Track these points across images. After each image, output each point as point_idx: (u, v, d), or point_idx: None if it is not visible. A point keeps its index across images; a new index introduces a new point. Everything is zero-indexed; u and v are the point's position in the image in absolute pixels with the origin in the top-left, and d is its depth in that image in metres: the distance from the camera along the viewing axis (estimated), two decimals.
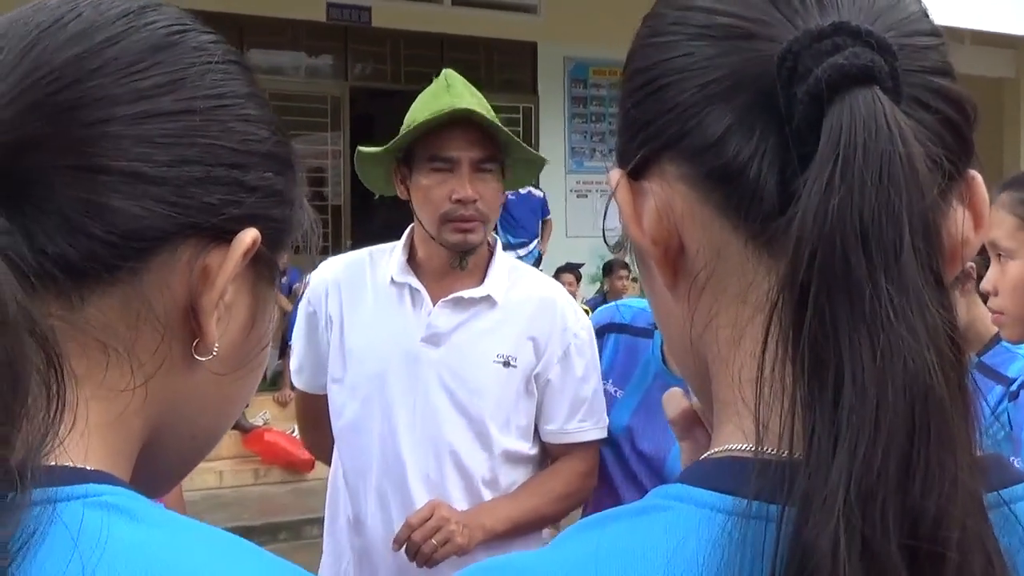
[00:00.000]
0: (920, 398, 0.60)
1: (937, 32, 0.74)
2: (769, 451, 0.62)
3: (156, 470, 0.80)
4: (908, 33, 0.71)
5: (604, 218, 0.85)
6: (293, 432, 9.00)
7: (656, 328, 2.72)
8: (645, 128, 0.74)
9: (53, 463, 0.65)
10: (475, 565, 0.72)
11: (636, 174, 0.76)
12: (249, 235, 0.76)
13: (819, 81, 0.65)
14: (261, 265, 0.81)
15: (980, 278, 2.48)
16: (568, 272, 10.82)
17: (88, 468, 0.70)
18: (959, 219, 0.72)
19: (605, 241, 0.87)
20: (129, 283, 0.73)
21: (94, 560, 0.63)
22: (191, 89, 0.75)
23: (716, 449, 0.73)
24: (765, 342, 0.64)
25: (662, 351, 2.65)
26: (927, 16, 0.74)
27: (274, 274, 0.83)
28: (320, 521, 2.76)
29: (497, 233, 10.99)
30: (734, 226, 0.71)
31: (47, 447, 0.65)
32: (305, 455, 8.58)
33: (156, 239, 0.73)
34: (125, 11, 0.76)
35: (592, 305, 10.84)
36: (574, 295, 10.33)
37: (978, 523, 0.60)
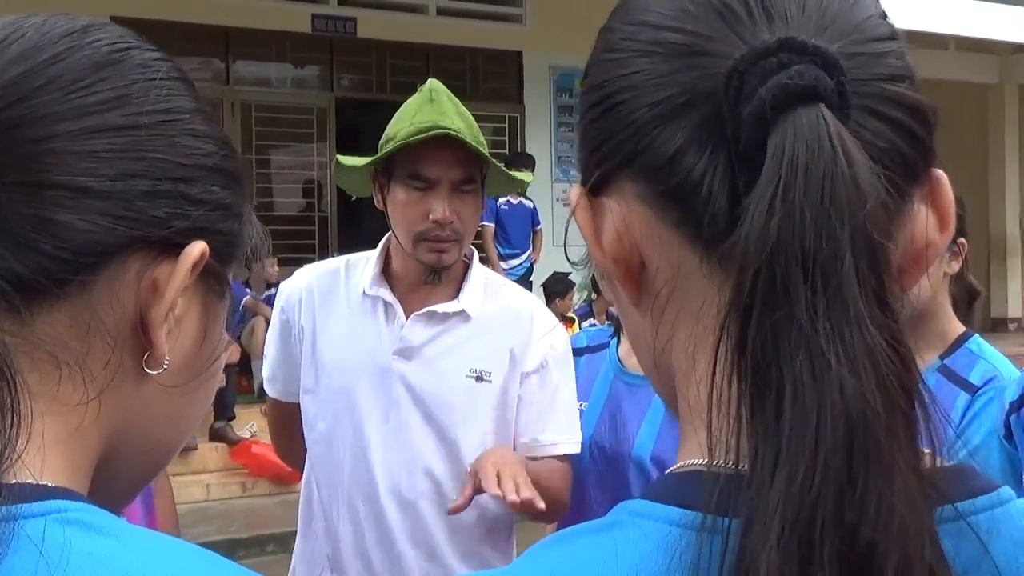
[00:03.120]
0: (858, 423, 0.60)
1: (894, 35, 0.73)
2: (724, 465, 0.63)
3: (113, 484, 0.80)
4: (861, 40, 0.70)
5: (565, 234, 0.85)
6: None
7: (611, 338, 2.83)
8: (601, 146, 0.74)
9: (12, 480, 0.65)
10: None
11: (595, 191, 0.75)
12: (197, 247, 0.76)
13: (763, 102, 0.64)
14: (211, 279, 0.81)
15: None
16: (557, 296, 10.73)
17: (49, 484, 0.70)
18: (923, 221, 0.72)
19: (567, 258, 0.87)
20: (79, 297, 0.73)
21: (61, 570, 0.63)
22: (136, 104, 0.76)
23: (679, 464, 0.73)
24: (715, 362, 0.64)
25: (618, 353, 2.77)
26: (884, 19, 0.73)
27: (224, 288, 0.83)
28: None
29: (498, 244, 10.84)
30: (690, 244, 0.71)
31: (5, 464, 0.65)
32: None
33: (104, 253, 0.73)
34: (68, 31, 0.76)
35: (580, 314, 10.85)
36: (565, 312, 10.31)
37: (920, 546, 0.60)
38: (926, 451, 0.63)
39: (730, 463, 0.62)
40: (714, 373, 0.64)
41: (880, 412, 0.60)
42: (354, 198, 2.82)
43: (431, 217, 2.43)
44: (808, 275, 0.61)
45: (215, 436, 9.51)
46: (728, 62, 0.67)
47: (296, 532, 2.71)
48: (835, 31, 0.69)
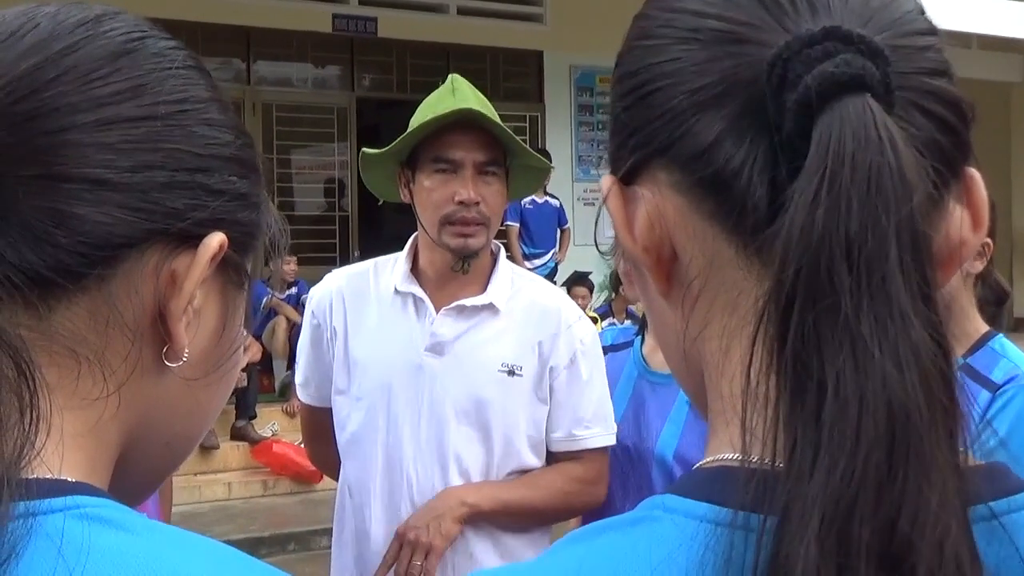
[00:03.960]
0: (900, 417, 0.59)
1: (933, 31, 0.72)
2: (757, 461, 0.62)
3: (133, 478, 0.80)
4: (903, 33, 0.70)
5: (596, 225, 0.84)
6: (302, 443, 9.01)
7: (636, 336, 2.82)
8: (635, 134, 0.73)
9: (32, 475, 0.65)
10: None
11: (628, 179, 0.75)
12: (216, 239, 0.76)
13: (809, 90, 0.64)
14: (230, 270, 0.80)
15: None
16: (580, 285, 10.78)
17: (68, 480, 0.69)
18: (957, 220, 0.71)
19: (598, 249, 0.86)
20: (97, 290, 0.72)
21: (79, 567, 0.63)
22: (152, 95, 0.75)
23: (708, 459, 0.72)
24: (752, 354, 0.63)
25: (642, 351, 2.78)
26: (923, 14, 0.73)
27: (243, 278, 0.83)
28: (329, 532, 2.76)
29: (522, 243, 10.87)
30: (725, 235, 0.70)
31: (24, 460, 0.65)
32: (313, 466, 8.57)
33: (121, 245, 0.72)
34: (82, 20, 0.75)
35: (600, 313, 10.84)
36: (585, 308, 10.31)
37: (956, 544, 0.59)
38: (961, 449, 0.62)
39: (765, 458, 0.61)
40: (750, 365, 0.63)
41: (922, 406, 0.59)
42: (381, 202, 2.83)
43: (456, 199, 2.45)
44: (853, 267, 0.60)
45: (237, 435, 9.54)
46: (770, 50, 0.66)
47: (316, 531, 2.73)
48: (877, 23, 0.69)
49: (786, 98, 0.65)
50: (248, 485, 9.24)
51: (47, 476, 0.67)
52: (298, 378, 2.78)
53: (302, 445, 9.15)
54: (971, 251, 0.73)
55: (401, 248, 2.67)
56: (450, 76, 2.59)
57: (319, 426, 2.74)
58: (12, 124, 0.69)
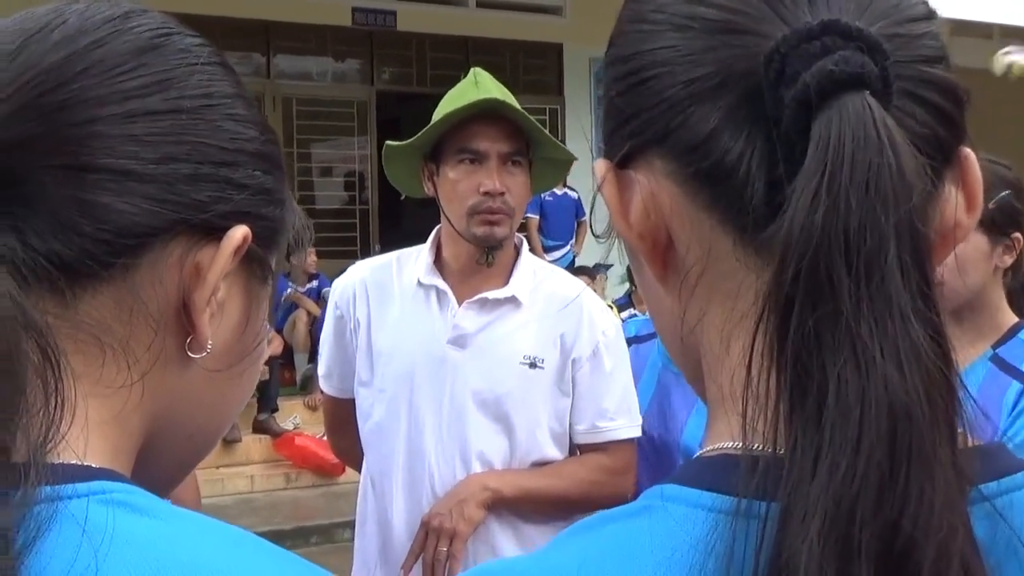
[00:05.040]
0: (901, 419, 0.59)
1: (931, 15, 0.71)
2: (758, 448, 0.62)
3: (155, 470, 0.81)
4: (900, 21, 0.69)
5: (591, 209, 0.84)
6: (323, 436, 9.03)
7: None
8: (630, 121, 0.73)
9: (57, 461, 0.66)
10: (473, 568, 0.72)
11: (623, 164, 0.74)
12: (239, 231, 0.77)
13: (807, 87, 0.63)
14: (253, 263, 0.81)
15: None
16: (583, 274, 10.78)
17: (92, 465, 0.70)
18: (952, 202, 0.70)
19: (593, 232, 0.86)
20: (122, 280, 0.73)
21: (103, 551, 0.63)
22: (178, 89, 0.76)
23: (708, 447, 0.72)
24: (752, 351, 0.63)
25: None
26: None
27: (267, 273, 0.83)
28: (351, 524, 2.77)
29: (542, 235, 10.87)
30: (723, 226, 0.69)
31: (50, 444, 0.65)
32: (336, 459, 8.59)
33: (146, 235, 0.73)
34: (110, 16, 0.76)
35: (620, 305, 10.82)
36: None
37: (960, 544, 0.59)
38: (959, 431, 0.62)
39: (765, 447, 0.62)
40: (751, 362, 0.63)
41: (923, 407, 0.59)
42: (404, 196, 2.83)
43: (482, 189, 2.46)
44: (852, 268, 0.60)
45: (259, 428, 9.58)
46: (768, 42, 0.66)
47: (339, 524, 2.74)
48: (874, 11, 0.68)
49: (784, 94, 0.64)
50: (270, 478, 9.28)
51: (72, 461, 0.68)
52: (321, 369, 2.79)
53: (323, 438, 9.18)
54: (966, 233, 0.72)
55: (421, 241, 2.68)
56: (472, 70, 2.60)
57: (342, 417, 2.75)
58: (41, 115, 0.70)
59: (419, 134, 2.54)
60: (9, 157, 0.69)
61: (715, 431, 0.73)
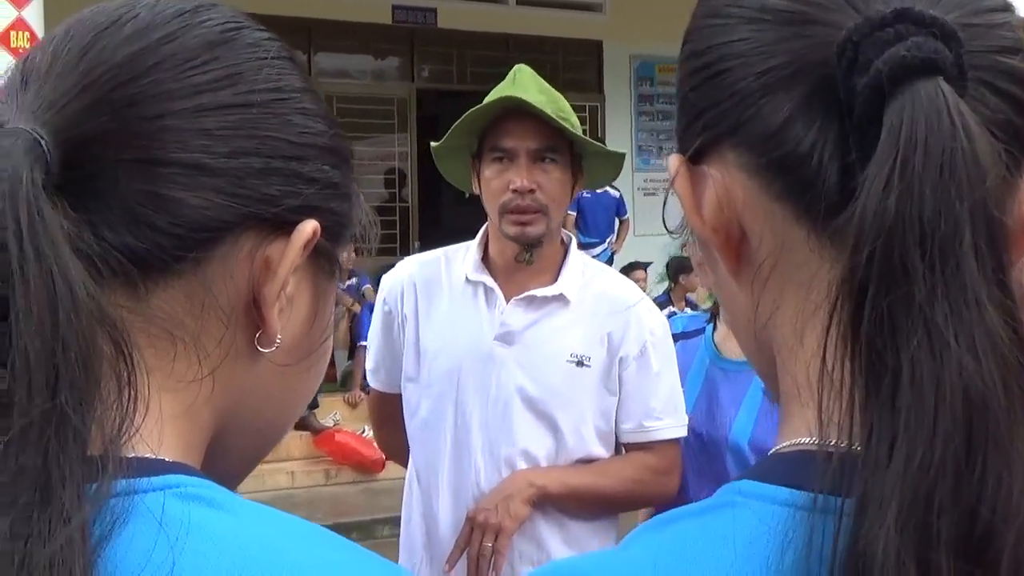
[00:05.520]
0: (977, 405, 0.58)
1: (1007, 6, 0.71)
2: (835, 443, 0.62)
3: (223, 464, 0.81)
4: (976, 11, 0.68)
5: (664, 209, 0.84)
6: (363, 432, 9.06)
7: (707, 324, 2.78)
8: (703, 114, 0.73)
9: (132, 454, 0.66)
10: (543, 567, 0.72)
11: (695, 159, 0.74)
12: (309, 225, 0.77)
13: (879, 74, 0.63)
14: (322, 258, 0.81)
15: None
16: (638, 268, 10.79)
17: (167, 459, 0.71)
18: None
19: (666, 229, 0.86)
20: (193, 274, 0.74)
21: (180, 546, 0.64)
22: (248, 83, 0.76)
23: (784, 443, 0.72)
24: (827, 339, 0.63)
25: (713, 339, 2.76)
26: None
27: (335, 267, 0.84)
28: (391, 521, 2.79)
29: (578, 231, 10.84)
30: (796, 217, 0.70)
31: (124, 437, 0.66)
32: (376, 455, 8.62)
33: (217, 229, 0.74)
34: (180, 11, 0.77)
35: (659, 302, 10.80)
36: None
37: None
38: None
39: (841, 442, 0.61)
40: (825, 350, 0.63)
41: (1000, 394, 0.59)
42: (468, 195, 2.83)
43: (511, 187, 2.46)
44: (926, 253, 0.60)
45: (299, 424, 9.61)
46: (840, 32, 0.65)
47: (378, 520, 2.75)
48: (950, 1, 0.68)
49: (856, 81, 0.64)
50: (311, 474, 9.32)
51: (147, 455, 0.69)
52: (369, 364, 2.80)
53: (363, 434, 9.19)
54: None
55: (460, 239, 2.69)
56: (515, 67, 2.61)
57: (388, 412, 2.76)
58: (113, 110, 0.71)
59: (448, 133, 2.56)
60: (82, 151, 0.70)
61: (790, 427, 0.73)
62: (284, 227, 0.76)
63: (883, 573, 0.57)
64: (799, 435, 0.70)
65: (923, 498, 0.58)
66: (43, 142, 0.68)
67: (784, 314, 0.72)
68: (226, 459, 0.81)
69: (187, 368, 0.75)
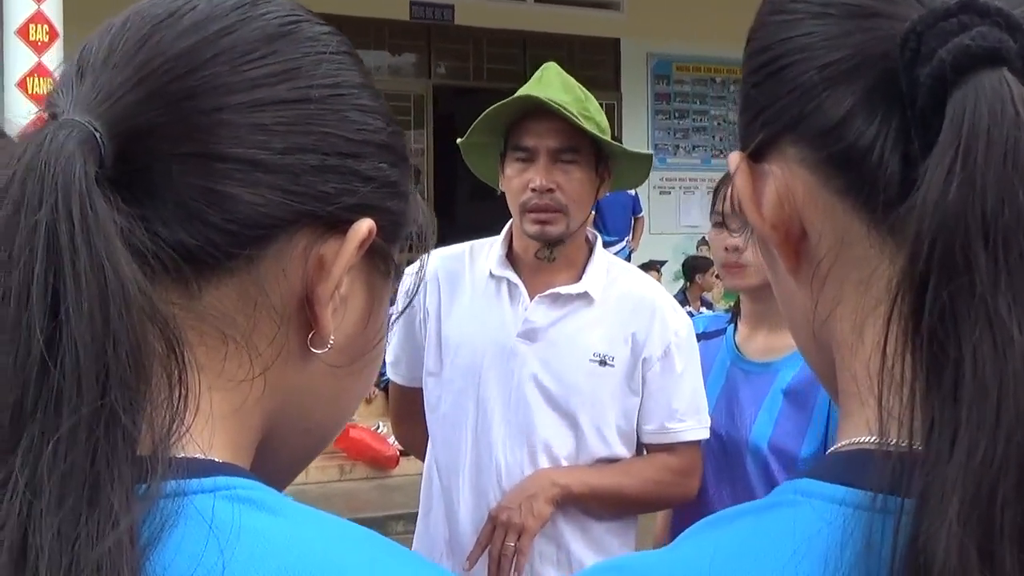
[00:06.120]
0: None
1: None
2: (895, 443, 0.61)
3: (272, 465, 0.79)
4: None
5: (713, 202, 0.83)
6: (378, 428, 9.06)
7: (729, 324, 2.77)
8: (765, 110, 0.73)
9: (181, 454, 0.65)
10: (592, 567, 0.72)
11: (756, 156, 0.74)
12: (365, 224, 0.76)
13: (943, 63, 0.62)
14: (376, 257, 0.80)
15: None
16: (653, 268, 10.78)
17: (217, 460, 0.69)
18: None
19: (726, 225, 0.85)
20: (246, 271, 0.72)
21: (230, 549, 0.63)
22: (306, 78, 0.75)
23: (843, 442, 0.71)
24: (887, 333, 0.62)
25: (735, 340, 2.73)
26: None
27: (390, 267, 0.82)
28: (404, 517, 2.79)
29: (596, 230, 10.97)
30: (856, 211, 0.69)
31: (174, 437, 0.65)
32: (390, 451, 8.63)
33: (272, 227, 0.72)
34: (239, 3, 0.75)
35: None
36: None
37: None
38: None
39: (902, 440, 0.60)
40: (886, 344, 0.62)
41: None
42: (499, 192, 2.83)
43: (530, 186, 2.46)
44: (989, 243, 0.59)
45: None
46: (904, 24, 0.65)
47: (392, 516, 2.74)
48: None
49: (919, 72, 0.63)
50: (325, 470, 9.32)
51: (197, 456, 0.67)
52: (389, 357, 2.77)
53: (378, 430, 9.17)
54: None
55: (476, 236, 2.69)
56: (544, 65, 2.61)
57: (408, 406, 2.75)
58: (169, 103, 0.70)
59: (470, 130, 2.56)
60: (137, 144, 0.69)
61: (848, 425, 0.72)
62: (339, 225, 0.75)
63: (945, 568, 0.56)
64: (859, 433, 0.70)
65: (986, 492, 0.57)
66: (98, 135, 0.67)
67: (843, 311, 0.72)
68: (275, 460, 0.80)
69: (238, 367, 0.73)
